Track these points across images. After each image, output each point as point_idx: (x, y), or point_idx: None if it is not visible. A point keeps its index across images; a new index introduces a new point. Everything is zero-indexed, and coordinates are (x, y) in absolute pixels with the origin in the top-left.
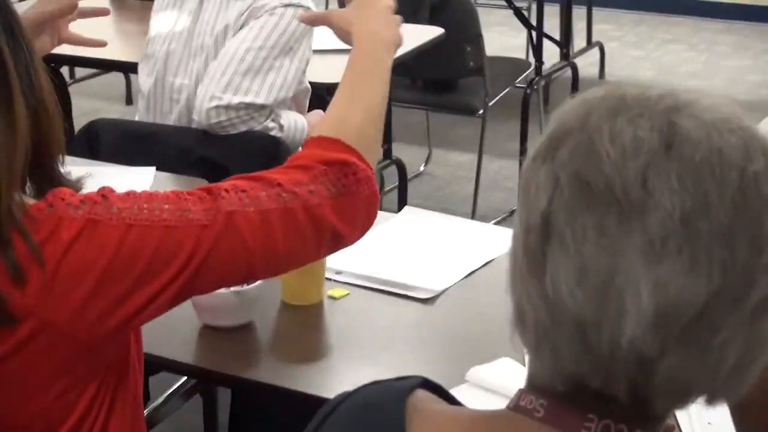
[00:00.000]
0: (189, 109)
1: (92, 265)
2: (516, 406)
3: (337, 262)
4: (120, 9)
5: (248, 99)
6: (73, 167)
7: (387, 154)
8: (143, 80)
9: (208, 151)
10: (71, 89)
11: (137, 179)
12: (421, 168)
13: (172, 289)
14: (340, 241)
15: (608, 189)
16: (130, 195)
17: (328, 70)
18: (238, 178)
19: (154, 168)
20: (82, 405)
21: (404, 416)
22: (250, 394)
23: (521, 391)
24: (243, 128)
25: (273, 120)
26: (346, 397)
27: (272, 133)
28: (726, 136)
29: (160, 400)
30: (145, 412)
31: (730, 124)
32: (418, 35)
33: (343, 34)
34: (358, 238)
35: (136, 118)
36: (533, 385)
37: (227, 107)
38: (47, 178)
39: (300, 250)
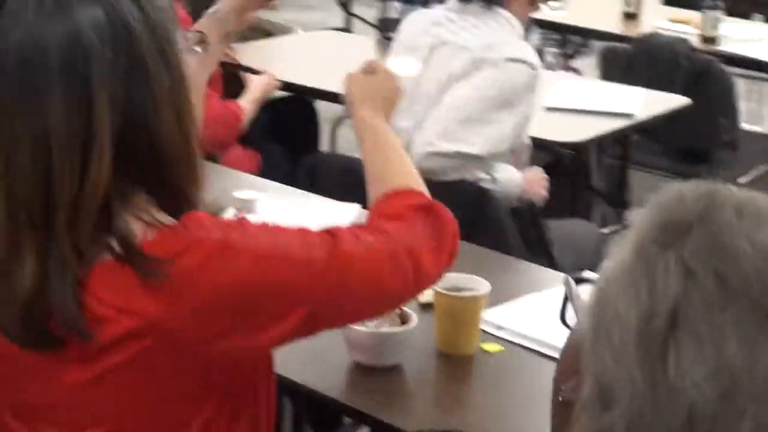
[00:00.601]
0: (407, 152)
1: (219, 287)
2: None
3: (497, 316)
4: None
5: (463, 148)
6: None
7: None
8: None
9: None
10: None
11: (339, 213)
12: None
13: (290, 325)
14: (431, 280)
15: (746, 289)
16: (264, 227)
17: (557, 128)
18: (354, 226)
19: (358, 206)
20: (198, 423)
21: None
22: None
23: None
24: (455, 176)
25: (487, 172)
26: None
27: (483, 184)
28: None
29: None
30: None
31: None
32: (664, 102)
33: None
34: (442, 276)
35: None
36: None
37: (441, 154)
38: (177, 210)
39: (401, 290)
